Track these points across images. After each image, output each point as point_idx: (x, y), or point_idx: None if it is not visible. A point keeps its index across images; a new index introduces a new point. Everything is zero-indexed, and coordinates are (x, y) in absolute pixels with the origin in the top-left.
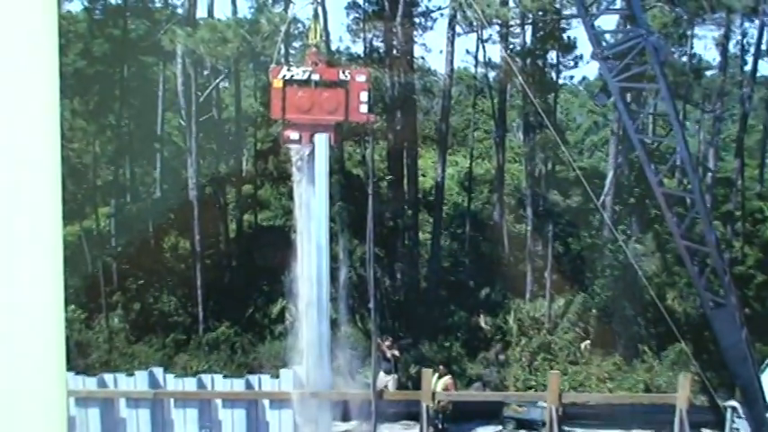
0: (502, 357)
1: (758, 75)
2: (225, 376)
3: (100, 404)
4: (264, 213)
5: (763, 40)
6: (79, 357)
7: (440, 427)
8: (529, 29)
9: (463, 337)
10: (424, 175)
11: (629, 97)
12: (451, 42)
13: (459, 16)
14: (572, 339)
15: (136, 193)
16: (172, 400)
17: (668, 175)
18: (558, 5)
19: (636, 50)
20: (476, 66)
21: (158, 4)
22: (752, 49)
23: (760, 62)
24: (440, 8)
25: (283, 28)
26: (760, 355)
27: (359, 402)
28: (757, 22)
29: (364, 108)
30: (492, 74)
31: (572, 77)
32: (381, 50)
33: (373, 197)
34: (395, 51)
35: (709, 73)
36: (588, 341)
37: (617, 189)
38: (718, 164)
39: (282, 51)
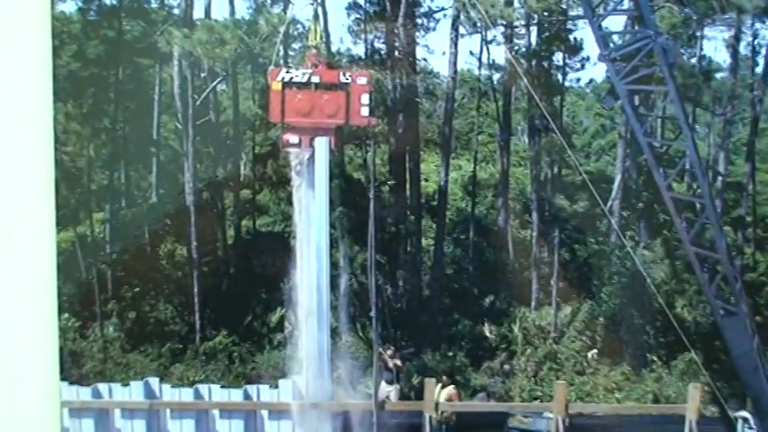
0: (507, 367)
1: None
2: (222, 386)
3: (94, 415)
4: (263, 219)
5: None
6: (73, 367)
7: None
8: (534, 30)
9: (467, 347)
10: (426, 180)
11: (636, 100)
12: (455, 44)
13: (462, 17)
14: (579, 348)
15: (131, 198)
16: (168, 411)
17: (677, 180)
18: (564, 6)
19: (644, 52)
20: (480, 68)
21: (154, 5)
22: (763, 51)
23: None
24: (443, 8)
25: (282, 29)
26: None
27: (360, 413)
28: None
29: (365, 111)
30: (496, 76)
31: (578, 80)
32: (383, 52)
33: (375, 202)
34: (397, 53)
35: (719, 75)
36: (595, 350)
37: (625, 194)
38: (729, 168)
39: (281, 53)
